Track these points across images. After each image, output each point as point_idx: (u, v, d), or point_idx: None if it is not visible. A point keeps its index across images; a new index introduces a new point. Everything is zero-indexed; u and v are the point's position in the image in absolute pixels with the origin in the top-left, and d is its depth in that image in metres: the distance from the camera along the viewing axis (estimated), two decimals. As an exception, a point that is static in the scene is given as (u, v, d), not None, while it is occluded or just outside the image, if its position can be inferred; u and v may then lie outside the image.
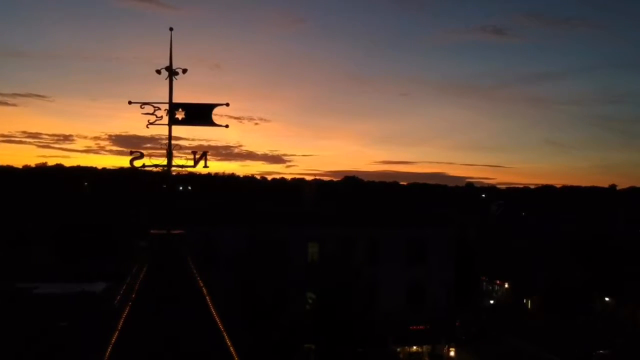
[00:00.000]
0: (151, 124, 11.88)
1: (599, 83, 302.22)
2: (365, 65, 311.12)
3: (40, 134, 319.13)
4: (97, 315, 13.70)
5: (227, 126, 12.40)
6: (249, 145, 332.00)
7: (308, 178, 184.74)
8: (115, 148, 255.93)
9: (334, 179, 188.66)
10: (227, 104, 12.03)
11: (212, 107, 12.03)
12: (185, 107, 11.93)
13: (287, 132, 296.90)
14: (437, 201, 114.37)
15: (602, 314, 67.23)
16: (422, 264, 49.65)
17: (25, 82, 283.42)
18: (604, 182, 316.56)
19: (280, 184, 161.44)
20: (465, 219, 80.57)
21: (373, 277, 45.32)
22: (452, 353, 50.46)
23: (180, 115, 11.89)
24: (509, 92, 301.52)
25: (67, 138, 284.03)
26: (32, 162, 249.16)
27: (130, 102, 11.82)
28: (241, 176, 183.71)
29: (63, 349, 24.83)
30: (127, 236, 72.42)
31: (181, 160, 11.88)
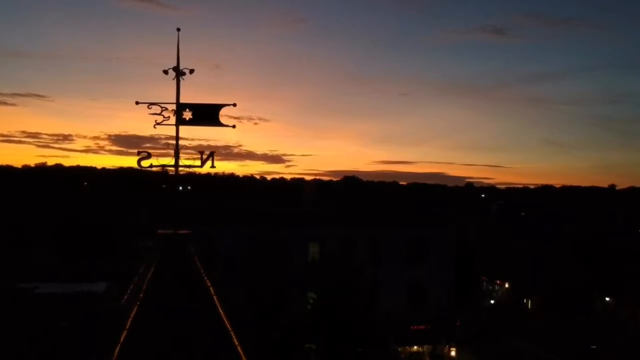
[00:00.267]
0: (158, 124, 11.89)
1: (599, 83, 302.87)
2: (365, 65, 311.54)
3: (40, 133, 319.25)
4: (103, 315, 13.69)
5: (234, 126, 12.42)
6: (248, 145, 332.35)
7: (307, 178, 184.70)
8: (114, 148, 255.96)
9: (334, 179, 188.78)
10: (234, 104, 12.04)
11: (219, 107, 12.04)
12: (192, 107, 11.93)
13: (286, 132, 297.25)
14: (436, 201, 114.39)
15: (602, 314, 67.30)
16: (423, 264, 49.67)
17: (25, 82, 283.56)
18: (603, 182, 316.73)
19: (280, 184, 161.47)
20: (465, 219, 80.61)
21: (373, 277, 45.34)
22: (452, 353, 50.51)
23: (187, 115, 11.90)
24: (509, 92, 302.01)
25: (66, 138, 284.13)
26: (32, 161, 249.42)
27: (137, 103, 11.83)
28: (241, 176, 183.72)
29: (65, 348, 24.86)
30: (127, 236, 72.48)
31: (188, 161, 11.89)
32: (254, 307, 36.00)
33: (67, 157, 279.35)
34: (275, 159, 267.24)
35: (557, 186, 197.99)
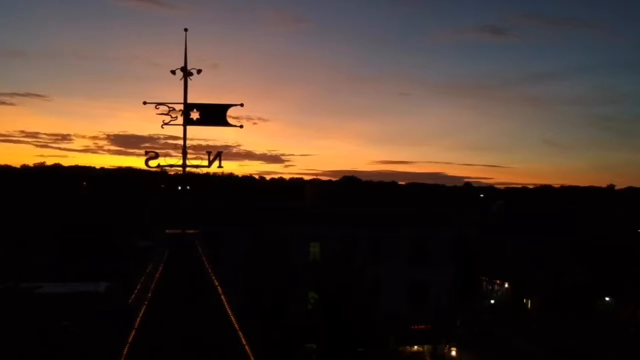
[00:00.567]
0: (166, 124, 11.92)
1: (598, 83, 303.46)
2: (364, 65, 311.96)
3: (39, 133, 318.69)
4: (111, 315, 13.70)
5: (241, 126, 12.45)
6: (247, 145, 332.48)
7: (306, 178, 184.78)
8: (113, 148, 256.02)
9: (333, 179, 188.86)
10: (242, 105, 12.08)
11: (226, 107, 12.07)
12: (200, 107, 11.96)
13: (285, 132, 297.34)
14: (435, 201, 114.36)
15: (602, 314, 67.37)
16: (424, 263, 49.66)
17: (24, 82, 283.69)
18: (602, 182, 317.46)
19: (279, 184, 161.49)
20: (465, 219, 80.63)
21: (375, 276, 45.30)
22: (453, 353, 50.56)
23: (195, 115, 11.93)
24: (508, 92, 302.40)
25: (65, 137, 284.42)
26: (31, 161, 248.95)
27: (145, 103, 11.87)
28: (240, 176, 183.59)
29: (67, 348, 24.87)
30: (127, 236, 72.48)
31: (195, 161, 11.92)
32: (256, 307, 36.00)
33: (66, 156, 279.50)
34: (274, 158, 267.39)
35: (556, 186, 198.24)
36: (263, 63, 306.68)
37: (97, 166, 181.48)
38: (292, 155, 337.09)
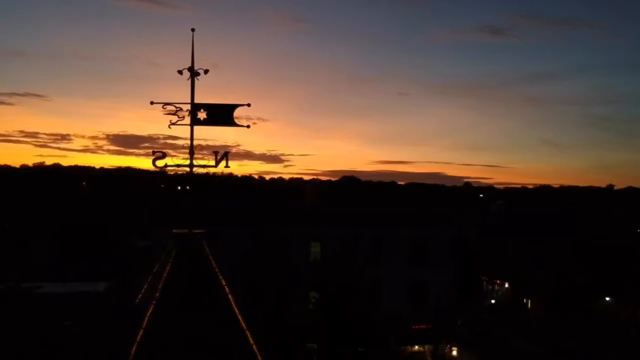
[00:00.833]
0: (173, 124, 11.92)
1: (597, 83, 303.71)
2: (363, 64, 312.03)
3: (38, 133, 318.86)
4: (115, 314, 13.70)
5: (248, 126, 12.46)
6: (246, 145, 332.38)
7: (306, 178, 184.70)
8: (113, 147, 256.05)
9: (332, 179, 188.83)
10: (249, 105, 12.10)
11: (233, 107, 12.08)
12: (207, 107, 11.97)
13: (285, 132, 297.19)
14: (435, 201, 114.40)
15: (602, 314, 67.44)
16: (424, 263, 49.72)
17: (23, 81, 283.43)
18: (601, 182, 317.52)
19: (279, 184, 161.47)
20: (465, 219, 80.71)
21: (375, 276, 45.34)
22: (454, 352, 50.60)
23: (202, 115, 11.94)
24: (507, 92, 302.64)
25: (64, 137, 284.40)
26: (30, 161, 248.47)
27: (152, 103, 11.87)
28: (239, 176, 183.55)
29: (68, 348, 24.85)
30: (126, 236, 72.49)
31: (202, 161, 11.93)
32: (257, 307, 35.99)
33: (65, 156, 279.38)
34: (274, 158, 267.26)
35: (555, 186, 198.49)
36: (263, 63, 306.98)
37: (97, 166, 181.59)
38: (292, 155, 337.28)
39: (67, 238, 67.95)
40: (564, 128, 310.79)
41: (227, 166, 12.04)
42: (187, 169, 11.82)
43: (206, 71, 12.01)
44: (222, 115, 12.02)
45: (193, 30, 11.93)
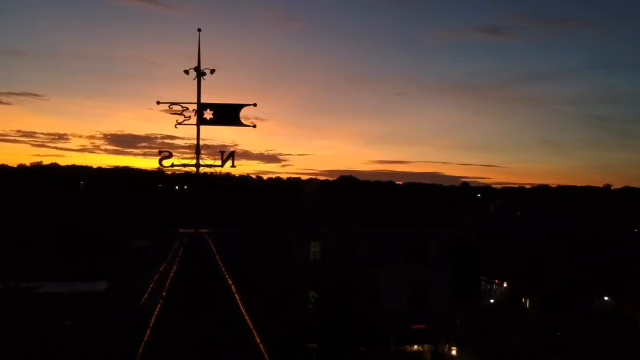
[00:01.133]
0: (180, 124, 11.95)
1: (595, 83, 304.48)
2: (361, 64, 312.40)
3: (36, 133, 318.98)
4: (125, 314, 13.72)
5: (254, 126, 12.50)
6: (244, 145, 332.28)
7: (304, 178, 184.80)
8: (110, 147, 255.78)
9: (330, 179, 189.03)
10: (255, 105, 12.14)
11: (240, 107, 12.11)
12: (213, 107, 12.00)
13: (283, 132, 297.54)
14: (432, 201, 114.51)
15: (600, 314, 67.55)
16: (424, 263, 49.76)
17: (21, 81, 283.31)
18: (599, 182, 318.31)
19: (276, 184, 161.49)
20: (464, 219, 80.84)
21: (375, 276, 45.37)
22: (453, 352, 50.64)
23: (208, 115, 11.97)
24: (505, 92, 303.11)
25: (62, 137, 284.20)
26: (28, 161, 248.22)
27: (158, 103, 11.90)
28: (237, 176, 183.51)
29: (70, 347, 24.87)
30: (125, 236, 72.45)
31: (209, 161, 11.96)
32: (258, 307, 35.96)
33: (63, 156, 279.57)
34: (272, 158, 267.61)
35: (553, 186, 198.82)
36: (260, 63, 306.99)
37: (95, 166, 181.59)
38: (290, 155, 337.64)
39: (65, 238, 67.94)
40: (562, 128, 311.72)
41: (233, 166, 12.08)
42: (194, 168, 11.85)
43: (212, 71, 12.04)
44: (228, 115, 12.06)
45: (200, 30, 11.97)
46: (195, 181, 12.46)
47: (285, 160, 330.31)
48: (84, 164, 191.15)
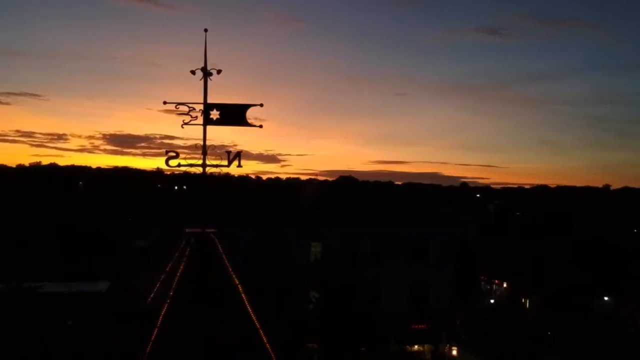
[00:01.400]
0: (186, 124, 11.99)
1: (594, 83, 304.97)
2: (360, 65, 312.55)
3: (34, 133, 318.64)
4: (132, 314, 13.73)
5: (260, 126, 12.54)
6: (243, 145, 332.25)
7: (303, 178, 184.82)
8: (109, 147, 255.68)
9: (329, 179, 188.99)
10: (261, 105, 12.18)
11: (246, 107, 12.15)
12: (220, 107, 12.03)
13: (282, 132, 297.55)
14: (431, 201, 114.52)
15: (600, 314, 67.64)
16: (424, 263, 49.79)
17: (20, 81, 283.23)
18: (598, 182, 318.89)
19: (275, 184, 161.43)
20: (463, 219, 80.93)
21: (375, 276, 45.39)
22: (454, 352, 50.69)
23: (215, 115, 12.00)
24: (504, 92, 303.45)
25: (61, 137, 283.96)
26: (26, 161, 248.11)
27: (165, 102, 11.93)
28: (236, 175, 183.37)
29: (71, 347, 24.84)
30: (124, 236, 72.41)
31: (215, 161, 11.99)
32: (259, 307, 35.97)
33: (62, 156, 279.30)
34: (271, 158, 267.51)
35: (552, 186, 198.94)
36: (260, 63, 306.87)
37: (94, 166, 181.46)
38: (289, 155, 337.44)
39: (64, 238, 67.89)
40: (562, 128, 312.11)
41: (239, 166, 12.12)
42: (200, 168, 11.88)
43: (219, 71, 12.07)
44: (235, 115, 12.10)
45: (206, 30, 11.99)
46: (200, 181, 12.47)
47: (284, 160, 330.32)
48: (83, 164, 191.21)
